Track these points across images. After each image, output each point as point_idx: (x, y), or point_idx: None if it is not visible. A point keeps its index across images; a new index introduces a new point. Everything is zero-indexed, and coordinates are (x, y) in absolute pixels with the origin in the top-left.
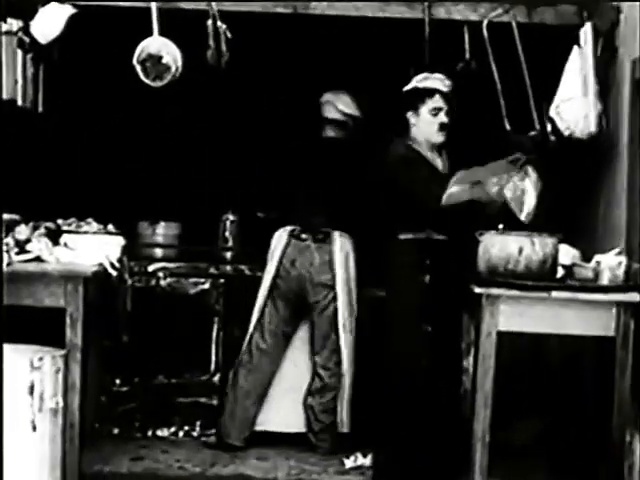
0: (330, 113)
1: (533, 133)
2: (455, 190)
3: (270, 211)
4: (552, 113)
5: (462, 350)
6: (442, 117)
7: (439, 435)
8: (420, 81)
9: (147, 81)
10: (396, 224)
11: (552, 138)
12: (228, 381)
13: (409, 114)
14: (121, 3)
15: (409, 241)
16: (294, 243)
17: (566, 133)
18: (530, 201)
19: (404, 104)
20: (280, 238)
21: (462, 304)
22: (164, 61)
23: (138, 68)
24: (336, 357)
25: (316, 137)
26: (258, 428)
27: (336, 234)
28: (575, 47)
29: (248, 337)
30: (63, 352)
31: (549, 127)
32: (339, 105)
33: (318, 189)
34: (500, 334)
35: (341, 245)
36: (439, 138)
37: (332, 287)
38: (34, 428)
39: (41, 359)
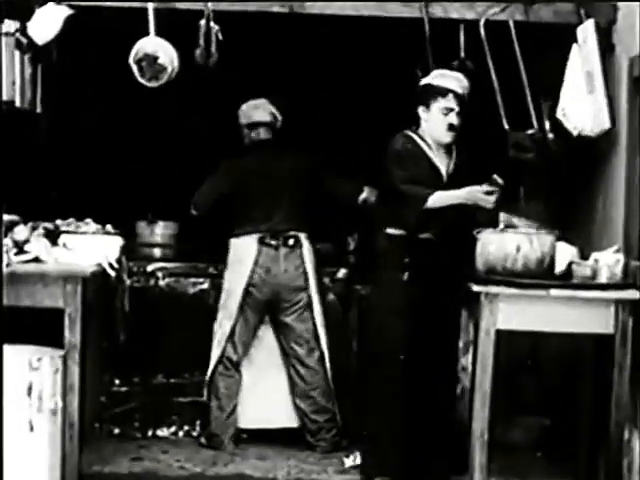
0: (261, 116)
1: (531, 131)
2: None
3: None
4: (559, 114)
5: (459, 348)
6: (452, 118)
7: (434, 435)
8: (435, 77)
9: (143, 81)
10: (384, 220)
11: (550, 136)
12: (208, 391)
13: (420, 109)
14: (117, 3)
15: (392, 238)
16: (265, 251)
17: (575, 133)
18: None
19: (416, 98)
20: (248, 246)
21: (451, 303)
22: (160, 61)
23: (134, 68)
24: (317, 355)
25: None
26: (250, 426)
27: (303, 237)
28: (574, 45)
29: (221, 349)
30: (62, 352)
31: (547, 126)
32: (268, 108)
33: (282, 194)
34: (500, 333)
35: (308, 247)
36: (447, 138)
37: (306, 289)
38: (32, 428)
39: (40, 360)
